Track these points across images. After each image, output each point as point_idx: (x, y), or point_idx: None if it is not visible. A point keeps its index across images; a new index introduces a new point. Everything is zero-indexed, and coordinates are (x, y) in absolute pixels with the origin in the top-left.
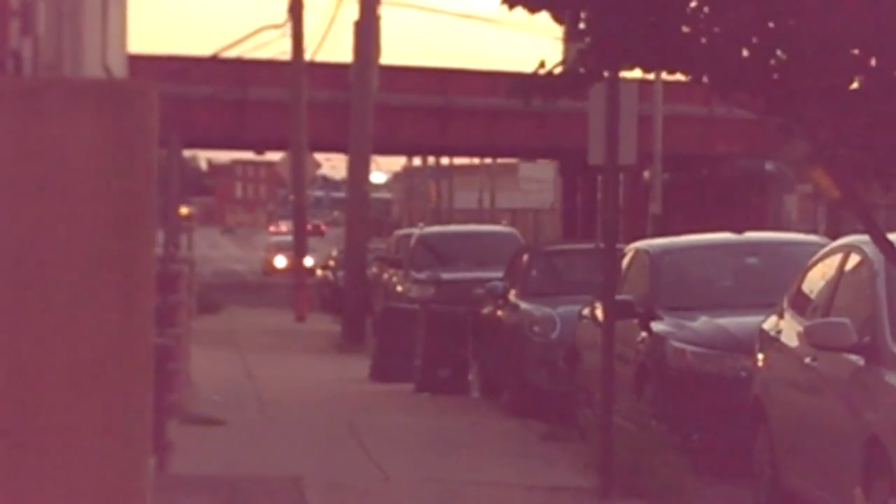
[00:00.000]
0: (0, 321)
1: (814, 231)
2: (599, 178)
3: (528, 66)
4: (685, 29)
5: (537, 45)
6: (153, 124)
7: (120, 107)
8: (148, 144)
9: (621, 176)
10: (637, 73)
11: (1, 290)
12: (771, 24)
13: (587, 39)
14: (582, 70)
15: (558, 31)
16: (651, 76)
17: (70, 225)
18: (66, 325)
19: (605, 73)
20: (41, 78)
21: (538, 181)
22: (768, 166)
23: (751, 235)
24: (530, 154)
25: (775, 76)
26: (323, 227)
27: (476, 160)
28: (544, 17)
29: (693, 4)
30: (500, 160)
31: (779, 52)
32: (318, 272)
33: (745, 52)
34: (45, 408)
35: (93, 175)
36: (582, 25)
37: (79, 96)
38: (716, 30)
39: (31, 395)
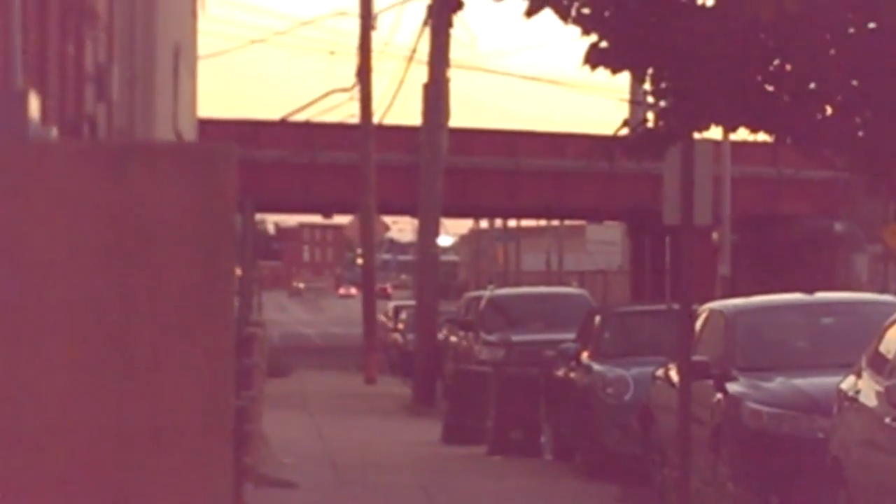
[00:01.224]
0: (85, 383)
1: (884, 290)
2: (667, 239)
3: (594, 128)
4: (769, 87)
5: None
6: (232, 188)
7: (201, 170)
8: (227, 208)
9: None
10: (710, 133)
11: (85, 352)
12: (855, 83)
13: (668, 99)
14: (661, 130)
15: (626, 93)
16: (719, 137)
17: (153, 288)
18: (149, 387)
19: (686, 133)
20: (124, 142)
21: (606, 243)
22: (837, 226)
23: (824, 295)
24: (597, 216)
25: (860, 133)
26: (389, 290)
27: (543, 222)
28: (618, 78)
29: (776, 63)
30: (566, 222)
31: (864, 110)
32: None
33: (829, 110)
34: (129, 470)
35: (174, 238)
36: (664, 85)
37: (161, 160)
38: (800, 88)
39: (114, 456)
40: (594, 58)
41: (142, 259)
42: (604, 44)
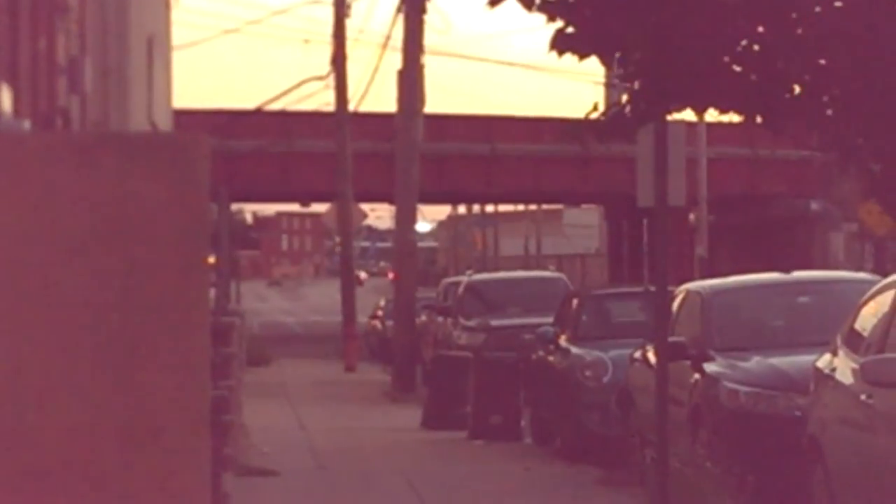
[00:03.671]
0: (59, 376)
1: (860, 269)
2: (645, 221)
3: (570, 112)
4: (737, 68)
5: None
6: (206, 177)
7: (173, 160)
8: (201, 197)
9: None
10: (684, 115)
11: (59, 344)
12: (822, 62)
13: (637, 82)
14: (631, 113)
15: (601, 76)
16: (695, 119)
17: (126, 279)
18: (124, 379)
19: (655, 115)
20: (95, 132)
21: (583, 226)
22: (813, 205)
23: (800, 274)
24: (574, 199)
25: (829, 112)
26: (362, 278)
27: (521, 207)
28: (589, 62)
29: (744, 43)
30: (544, 206)
31: (832, 89)
32: (367, 322)
33: (797, 90)
34: (105, 466)
35: (147, 229)
36: (631, 68)
37: (133, 150)
38: (768, 68)
39: (90, 452)
40: (561, 44)
41: (115, 251)
42: (570, 29)
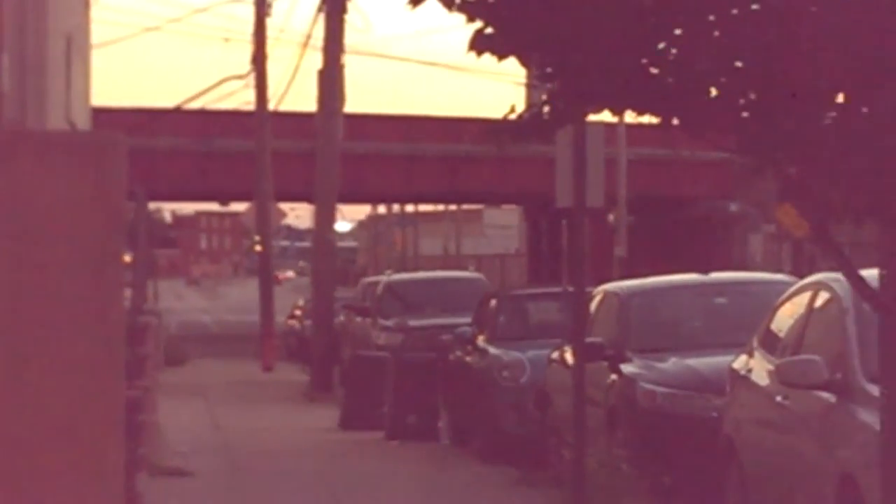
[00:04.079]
0: None
1: (778, 270)
2: (564, 222)
3: (492, 112)
4: (654, 70)
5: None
6: (122, 176)
7: (90, 158)
8: (116, 195)
9: (587, 219)
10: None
11: None
12: (739, 65)
13: (555, 83)
14: (549, 114)
15: (522, 76)
16: (615, 119)
17: (41, 276)
18: (38, 380)
19: (573, 117)
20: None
21: (503, 227)
22: (732, 207)
23: (718, 276)
24: (495, 200)
25: (745, 115)
26: (280, 277)
27: (441, 207)
28: (509, 62)
29: (661, 45)
30: (464, 206)
31: (748, 92)
32: (285, 321)
33: (714, 93)
34: (18, 466)
35: (62, 226)
36: (549, 69)
37: (50, 149)
38: (684, 70)
39: (3, 450)
40: (479, 44)
41: (29, 249)
42: (489, 30)
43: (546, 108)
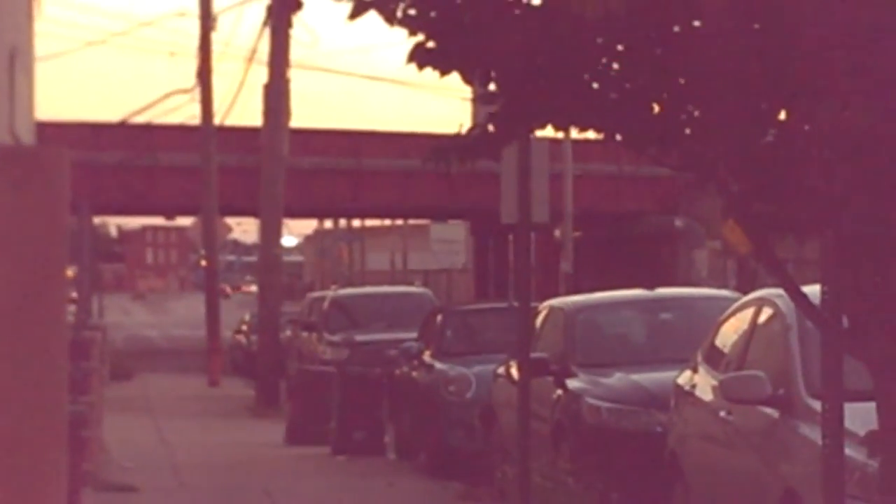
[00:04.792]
0: None
1: (724, 286)
2: (511, 237)
3: (438, 128)
4: (595, 86)
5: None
6: (65, 190)
7: (31, 173)
8: (59, 210)
9: (533, 235)
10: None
11: None
12: (682, 81)
13: (497, 101)
14: (493, 132)
15: (468, 92)
16: (561, 135)
17: None
18: None
19: (518, 133)
20: None
21: (450, 242)
22: (678, 223)
23: (663, 291)
24: (441, 215)
25: (687, 131)
26: (228, 291)
27: (387, 222)
28: (454, 78)
29: (604, 61)
30: (411, 221)
31: (690, 108)
32: (231, 336)
33: (656, 108)
34: None
35: (2, 240)
36: (492, 86)
37: None
38: (626, 86)
39: None
40: (420, 58)
41: None
42: (430, 44)
43: (490, 127)
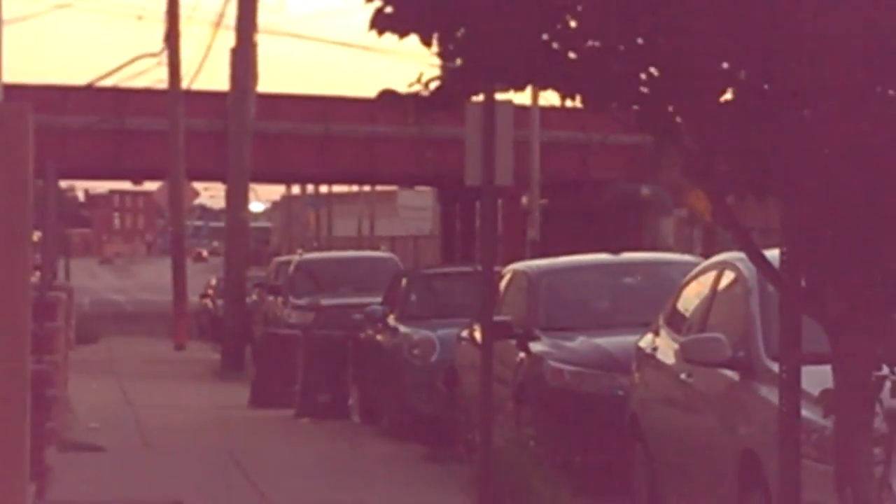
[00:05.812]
0: None
1: (689, 253)
2: (477, 204)
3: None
4: (555, 45)
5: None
6: (27, 147)
7: None
8: (23, 167)
9: (500, 202)
10: (513, 95)
11: None
12: (640, 41)
13: (455, 60)
14: (452, 87)
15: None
16: (528, 102)
17: None
18: None
19: (475, 91)
20: None
21: (417, 208)
22: (644, 190)
23: (627, 256)
24: (409, 181)
25: (645, 90)
26: (205, 254)
27: (355, 188)
28: (416, 42)
29: (563, 20)
30: (378, 187)
31: (649, 67)
32: (198, 300)
33: (614, 67)
34: None
35: None
36: (451, 46)
37: None
38: (585, 44)
39: None
40: (380, 23)
41: None
42: (389, 9)
43: (447, 81)
